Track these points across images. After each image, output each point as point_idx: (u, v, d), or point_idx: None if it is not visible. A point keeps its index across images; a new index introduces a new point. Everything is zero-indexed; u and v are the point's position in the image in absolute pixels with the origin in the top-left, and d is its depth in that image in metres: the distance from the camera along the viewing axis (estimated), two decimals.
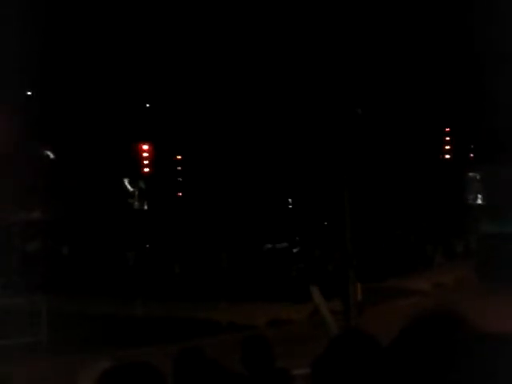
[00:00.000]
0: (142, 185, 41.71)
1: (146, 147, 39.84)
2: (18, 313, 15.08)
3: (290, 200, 41.82)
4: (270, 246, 31.41)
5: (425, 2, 35.10)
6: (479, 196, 36.48)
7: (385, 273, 25.27)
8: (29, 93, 38.50)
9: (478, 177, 38.29)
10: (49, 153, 39.64)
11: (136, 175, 40.38)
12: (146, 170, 40.32)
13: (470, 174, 39.71)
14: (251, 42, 35.66)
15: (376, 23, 33.05)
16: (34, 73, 32.85)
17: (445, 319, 1.85)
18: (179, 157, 43.41)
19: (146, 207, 41.86)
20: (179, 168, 43.77)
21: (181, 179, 43.60)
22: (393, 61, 35.20)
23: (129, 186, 40.95)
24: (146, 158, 39.88)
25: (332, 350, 2.09)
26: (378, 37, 33.45)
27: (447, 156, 44.22)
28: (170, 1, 36.47)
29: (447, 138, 44.25)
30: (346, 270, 15.61)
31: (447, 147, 44.43)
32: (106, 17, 36.43)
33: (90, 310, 19.43)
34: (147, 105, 41.45)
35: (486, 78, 33.61)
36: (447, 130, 43.84)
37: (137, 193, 42.02)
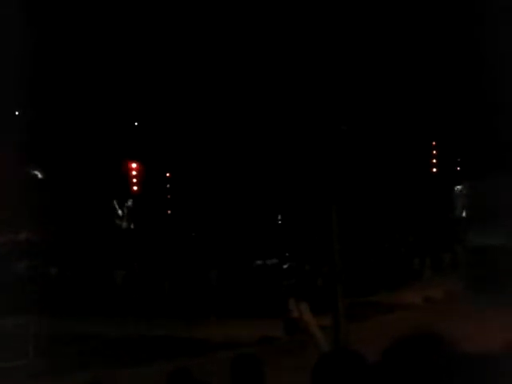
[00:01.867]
0: (130, 203, 41.65)
1: (134, 165, 39.89)
2: (5, 335, 14.96)
3: (279, 216, 41.86)
4: (259, 262, 31.36)
5: (409, 18, 35.42)
6: (466, 209, 36.70)
7: (373, 287, 25.30)
8: (16, 112, 38.48)
9: (464, 190, 38.56)
10: (37, 172, 39.54)
11: (125, 194, 40.35)
12: (135, 188, 40.33)
13: (457, 187, 40.02)
14: (238, 60, 35.84)
15: (362, 38, 33.32)
16: (22, 92, 32.83)
17: (428, 339, 1.92)
18: (168, 174, 43.41)
19: (133, 226, 41.77)
20: (168, 185, 43.76)
21: (170, 197, 43.56)
22: (379, 76, 35.48)
23: (117, 206, 40.85)
24: (134, 177, 39.91)
25: (320, 368, 2.14)
26: (365, 52, 33.71)
27: (434, 169, 44.53)
28: (159, 16, 36.60)
29: (434, 152, 44.57)
30: (334, 285, 15.62)
31: (434, 161, 44.75)
32: (94, 36, 36.52)
33: (79, 330, 19.30)
34: (135, 123, 41.52)
35: (472, 92, 33.93)
36: (434, 143, 44.17)
37: (125, 211, 41.93)
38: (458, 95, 36.70)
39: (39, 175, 39.41)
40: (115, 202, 40.63)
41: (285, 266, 30.20)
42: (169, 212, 43.38)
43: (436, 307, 20.71)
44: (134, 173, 39.96)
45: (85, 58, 36.60)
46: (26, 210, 32.79)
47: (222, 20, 35.15)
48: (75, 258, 31.72)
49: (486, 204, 25.97)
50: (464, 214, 30.56)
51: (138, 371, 13.60)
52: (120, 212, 41.15)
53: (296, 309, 14.18)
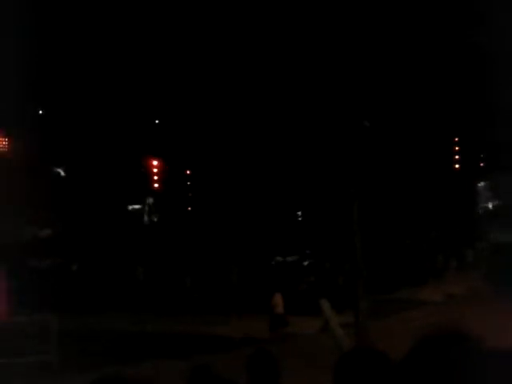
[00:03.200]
0: (151, 200, 41.88)
1: (155, 163, 40.11)
2: (30, 331, 15.10)
3: (299, 213, 41.78)
4: (280, 258, 31.35)
5: (432, 13, 35.12)
6: (490, 205, 36.37)
7: (395, 284, 25.15)
8: (40, 112, 38.85)
9: (488, 186, 38.19)
10: (60, 170, 39.90)
11: (146, 191, 40.57)
12: (156, 185, 40.57)
13: (481, 183, 39.63)
14: (260, 58, 35.81)
15: (385, 36, 33.11)
16: (45, 92, 33.17)
17: (452, 337, 1.88)
18: (189, 172, 43.54)
19: (155, 222, 41.95)
20: (189, 183, 43.89)
21: (190, 194, 43.69)
22: (401, 72, 35.23)
23: (136, 206, 41.07)
24: (155, 174, 40.14)
25: (342, 367, 2.11)
26: (387, 49, 33.50)
27: (457, 165, 44.12)
28: (175, 16, 36.71)
29: (456, 148, 44.16)
30: (356, 282, 15.53)
31: (457, 157, 44.33)
32: (116, 34, 36.71)
33: (101, 326, 19.45)
34: (156, 121, 41.70)
35: (494, 87, 33.56)
36: (456, 139, 43.75)
37: (147, 208, 42.15)
38: (480, 91, 36.31)
39: (62, 173, 39.76)
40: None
41: (305, 263, 30.14)
42: (189, 209, 43.51)
43: (459, 304, 20.51)
44: (155, 170, 40.18)
45: (107, 57, 36.82)
46: (50, 207, 33.11)
47: (243, 16, 35.14)
48: (98, 254, 31.97)
49: (508, 200, 25.68)
50: (489, 210, 30.26)
51: (158, 367, 13.64)
52: (139, 207, 41.40)
53: (325, 307, 14.12)
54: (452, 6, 34.49)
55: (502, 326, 11.86)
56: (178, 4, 36.43)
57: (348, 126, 16.89)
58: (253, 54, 35.91)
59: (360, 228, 15.52)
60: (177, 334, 18.59)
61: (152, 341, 17.76)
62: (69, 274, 29.25)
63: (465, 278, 25.23)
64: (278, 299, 18.23)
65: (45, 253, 30.92)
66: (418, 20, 35.03)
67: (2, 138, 35.53)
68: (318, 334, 16.82)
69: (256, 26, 35.06)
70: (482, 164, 43.44)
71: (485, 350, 1.81)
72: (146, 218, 42.01)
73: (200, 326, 19.49)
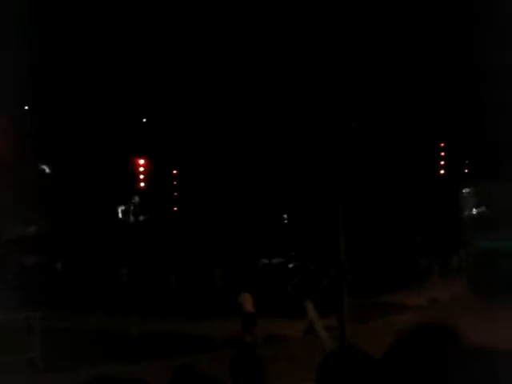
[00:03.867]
0: (137, 199, 41.75)
1: (142, 162, 39.99)
2: (13, 329, 15.01)
3: (285, 215, 41.83)
4: (265, 261, 31.37)
5: (419, 17, 35.38)
6: (474, 211, 36.59)
7: (380, 288, 25.25)
8: (26, 107, 38.63)
9: (472, 192, 38.43)
10: (45, 167, 39.69)
11: (132, 190, 40.43)
12: (142, 184, 40.44)
13: (465, 189, 39.86)
14: (245, 60, 35.85)
15: (371, 38, 33.27)
16: (31, 88, 32.95)
17: (437, 332, 1.88)
18: (175, 171, 43.46)
19: (141, 221, 41.83)
20: (175, 182, 43.80)
21: (176, 194, 43.61)
22: (388, 76, 35.42)
23: (120, 209, 40.91)
24: (142, 173, 40.01)
25: (326, 367, 2.12)
26: (374, 51, 33.67)
27: (442, 171, 44.39)
28: (165, 14, 36.67)
29: (442, 154, 44.43)
30: (340, 285, 15.58)
31: (442, 162, 44.60)
32: (102, 32, 36.59)
33: (86, 326, 19.36)
34: (144, 120, 41.59)
35: (480, 93, 33.83)
36: (442, 145, 44.02)
37: (132, 207, 42.02)
38: (467, 97, 36.58)
39: (47, 170, 39.56)
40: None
41: (290, 266, 30.18)
42: (175, 209, 43.42)
43: (442, 309, 20.64)
44: (141, 169, 40.08)
45: (93, 55, 36.70)
46: (35, 205, 32.93)
47: (231, 19, 35.18)
48: (82, 252, 31.83)
49: (494, 206, 25.88)
50: (473, 216, 30.49)
51: (140, 367, 13.62)
52: (123, 208, 41.27)
53: (310, 309, 14.15)
54: (433, 12, 34.75)
55: (483, 333, 11.96)
56: (165, 1, 36.39)
57: (335, 128, 16.95)
58: (238, 53, 35.95)
59: (345, 231, 15.58)
60: (161, 334, 18.55)
61: (136, 341, 17.72)
62: (53, 272, 29.10)
63: (449, 284, 25.40)
64: (246, 298, 18.31)
65: (30, 250, 30.74)
66: (405, 24, 35.24)
67: None
68: (302, 336, 16.86)
69: (241, 27, 35.11)
70: (466, 170, 43.74)
71: (469, 347, 1.82)
72: (131, 217, 41.88)
73: (184, 327, 19.47)
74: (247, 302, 18.13)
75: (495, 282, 21.95)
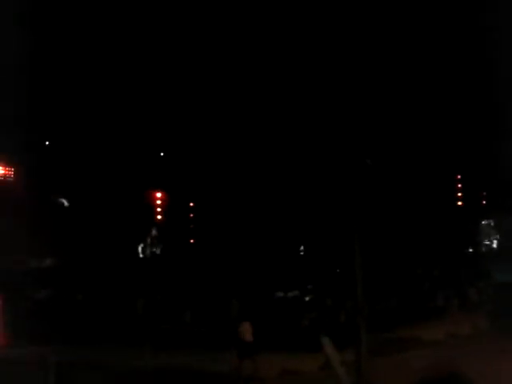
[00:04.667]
0: (154, 232, 41.85)
1: (159, 195, 40.24)
2: (28, 363, 14.97)
3: (301, 248, 41.65)
4: (281, 294, 31.11)
5: (427, 44, 35.57)
6: (493, 243, 36.15)
7: (396, 322, 24.89)
8: (47, 142, 39.15)
9: (491, 224, 38.03)
10: (63, 200, 40.00)
11: (149, 222, 40.58)
12: (159, 217, 40.60)
13: (484, 221, 39.49)
14: (263, 89, 36.15)
15: (385, 71, 33.50)
16: (51, 123, 33.44)
17: (450, 380, 1.89)
18: (191, 204, 43.59)
19: (157, 254, 41.85)
20: (191, 215, 43.90)
21: (192, 226, 43.67)
22: (405, 112, 35.54)
23: (140, 249, 41.04)
24: (159, 206, 40.22)
25: None
26: (390, 88, 33.87)
27: (459, 203, 44.12)
28: (182, 39, 37.07)
29: (459, 185, 44.22)
30: (357, 319, 15.41)
31: (459, 194, 44.36)
32: (121, 66, 37.12)
33: (99, 360, 19.24)
34: (161, 153, 41.92)
35: (496, 124, 33.75)
36: (459, 177, 43.84)
37: (149, 240, 42.10)
38: (483, 130, 36.52)
39: (65, 203, 39.85)
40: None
41: (306, 299, 29.90)
42: (192, 241, 43.43)
43: (460, 344, 20.29)
44: (158, 202, 40.30)
45: (112, 89, 37.19)
46: (52, 238, 33.09)
47: (243, 50, 35.59)
48: (98, 285, 31.79)
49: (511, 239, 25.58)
50: (493, 249, 30.16)
51: None
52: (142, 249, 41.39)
53: (326, 344, 13.96)
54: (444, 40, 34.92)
55: (503, 370, 11.69)
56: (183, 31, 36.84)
57: (351, 164, 16.98)
58: (257, 84, 36.23)
59: (361, 263, 15.45)
60: (175, 369, 18.37)
61: (149, 376, 17.55)
62: (67, 305, 29.04)
63: (467, 318, 24.97)
64: (246, 327, 18.17)
65: (44, 283, 30.77)
66: (417, 57, 35.43)
67: (8, 166, 35.74)
68: (318, 372, 16.63)
69: (253, 57, 35.46)
70: (484, 202, 43.42)
71: None
72: (148, 250, 41.94)
73: (198, 362, 19.27)
74: (247, 332, 18.03)
75: None
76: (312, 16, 32.37)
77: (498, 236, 35.19)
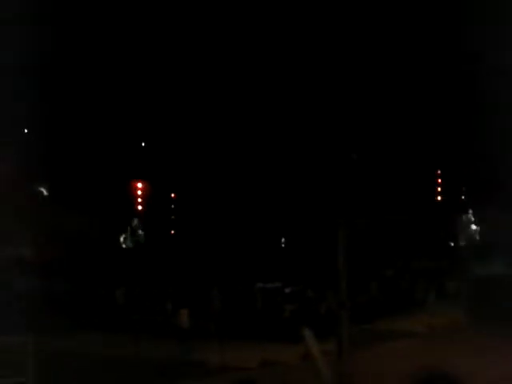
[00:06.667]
0: (135, 222, 41.68)
1: (140, 185, 40.05)
2: (5, 352, 14.85)
3: (282, 239, 41.76)
4: (261, 285, 31.16)
5: (414, 43, 35.75)
6: (473, 238, 36.53)
7: (376, 314, 25.11)
8: (25, 130, 38.74)
9: (471, 218, 38.41)
10: (42, 189, 39.65)
11: (130, 212, 40.40)
12: (140, 207, 40.42)
13: (463, 216, 39.88)
14: (248, 83, 36.13)
15: (369, 70, 33.66)
16: (30, 110, 33.09)
17: (436, 379, 1.95)
18: (173, 195, 43.47)
19: (138, 244, 41.72)
20: (173, 206, 43.79)
21: (174, 217, 43.57)
22: (387, 107, 35.75)
23: (122, 239, 40.84)
24: (140, 196, 40.05)
25: None
26: (372, 83, 34.03)
27: (439, 197, 44.52)
28: (173, 35, 36.88)
29: (439, 180, 44.61)
30: (339, 311, 15.50)
31: (439, 189, 44.76)
32: (103, 53, 36.83)
33: (78, 348, 19.19)
34: (143, 144, 41.72)
35: (478, 121, 34.07)
36: (439, 172, 44.22)
37: (129, 230, 41.94)
38: (465, 124, 36.84)
39: (45, 192, 39.51)
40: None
41: (287, 291, 29.99)
42: (172, 232, 43.34)
43: (439, 336, 20.54)
44: (139, 192, 40.13)
45: (93, 78, 36.90)
46: (30, 226, 32.81)
47: (239, 49, 35.54)
48: (77, 275, 31.64)
49: (489, 234, 25.91)
50: (469, 243, 30.51)
51: None
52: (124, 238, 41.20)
53: (308, 335, 14.02)
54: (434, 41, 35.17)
55: (479, 361, 11.86)
56: (171, 21, 36.65)
57: (336, 159, 17.12)
58: (240, 76, 36.20)
59: (345, 258, 15.52)
60: (155, 358, 18.38)
61: (129, 365, 17.54)
62: (47, 294, 28.88)
63: (445, 310, 25.25)
64: (182, 314, 18.49)
65: (22, 273, 30.53)
66: (403, 52, 35.60)
67: None
68: (299, 362, 16.74)
69: (249, 56, 35.46)
70: (463, 197, 43.84)
71: None
72: (128, 240, 41.79)
73: (178, 351, 19.29)
74: (183, 318, 18.32)
75: (491, 308, 21.92)
76: (303, 10, 32.46)
77: (477, 230, 35.53)
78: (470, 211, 37.91)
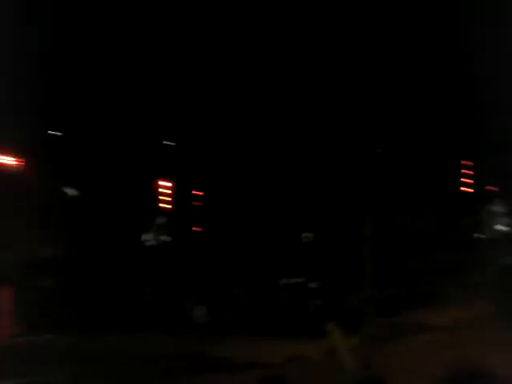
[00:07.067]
0: (162, 221, 41.94)
1: (165, 184, 40.35)
2: (33, 351, 15.06)
3: (307, 234, 41.69)
4: (286, 280, 31.18)
5: (443, 48, 35.41)
6: (502, 228, 36.14)
7: (402, 307, 24.94)
8: (49, 131, 39.12)
9: (499, 210, 38.03)
10: (72, 190, 40.06)
11: (155, 211, 40.69)
12: (166, 206, 40.73)
13: (491, 206, 39.49)
14: (271, 79, 36.08)
15: (396, 67, 33.42)
16: (57, 111, 33.43)
17: (471, 375, 2.00)
18: (198, 193, 43.62)
19: (165, 243, 41.96)
20: (198, 204, 43.94)
21: (199, 215, 43.72)
22: (411, 99, 35.46)
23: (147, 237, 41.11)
24: (166, 195, 40.37)
25: None
26: (396, 75, 33.76)
27: (466, 188, 44.09)
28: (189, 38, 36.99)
29: (467, 172, 44.17)
30: (364, 306, 15.53)
31: (466, 180, 44.32)
32: (124, 57, 37.04)
33: (105, 347, 19.38)
34: (169, 142, 41.85)
35: (506, 109, 33.62)
36: (467, 163, 43.75)
37: (156, 229, 42.20)
38: (492, 113, 36.38)
39: (74, 193, 39.91)
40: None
41: (312, 286, 29.99)
42: (198, 229, 43.51)
43: (465, 329, 20.37)
44: (165, 191, 40.43)
45: (120, 78, 37.11)
46: (55, 226, 33.16)
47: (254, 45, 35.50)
48: (103, 274, 31.93)
49: None
50: (499, 233, 30.26)
51: None
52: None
53: (333, 330, 14.01)
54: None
55: (505, 358, 11.69)
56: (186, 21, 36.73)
57: (361, 153, 17.07)
58: (267, 80, 36.15)
59: (371, 253, 15.52)
60: (182, 355, 18.51)
61: (155, 362, 17.68)
62: (74, 294, 29.18)
63: (470, 303, 24.98)
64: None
65: (49, 273, 30.87)
66: (425, 42, 35.29)
67: (12, 156, 35.79)
68: (325, 358, 16.73)
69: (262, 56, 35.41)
70: (491, 187, 43.34)
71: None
72: (155, 238, 42.06)
73: (205, 348, 19.40)
74: (199, 314, 18.38)
75: None
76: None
77: (506, 221, 35.09)
78: (496, 202, 37.42)
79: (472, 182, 43.62)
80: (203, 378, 14.75)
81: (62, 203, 35.69)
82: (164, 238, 41.81)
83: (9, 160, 34.61)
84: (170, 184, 40.21)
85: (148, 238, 41.37)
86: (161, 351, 18.89)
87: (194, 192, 43.10)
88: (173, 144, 41.25)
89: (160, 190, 40.24)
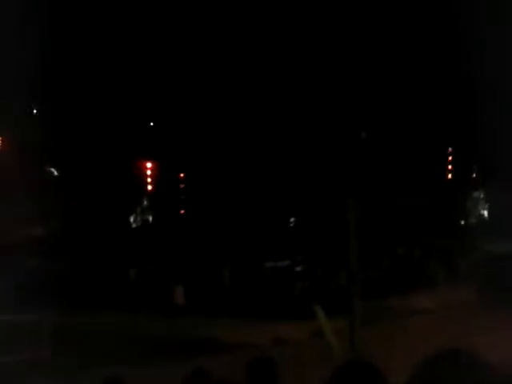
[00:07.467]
0: (145, 202, 41.75)
1: (149, 165, 40.08)
2: (21, 330, 14.99)
3: (292, 218, 41.76)
4: (271, 264, 31.27)
5: (425, 30, 35.39)
6: (484, 215, 36.35)
7: (388, 290, 25.11)
8: (34, 111, 38.75)
9: (482, 196, 38.22)
10: (53, 169, 39.76)
11: (139, 193, 40.49)
12: (149, 187, 40.49)
13: (475, 193, 39.69)
14: (259, 64, 35.94)
15: (380, 49, 33.35)
16: (38, 90, 33.07)
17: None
18: (182, 174, 43.46)
19: (148, 224, 41.84)
20: (182, 185, 43.79)
21: (183, 196, 43.59)
22: (396, 84, 35.47)
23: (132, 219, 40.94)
24: (149, 176, 40.10)
25: (334, 382, 2.18)
26: (383, 61, 33.73)
27: (450, 175, 44.34)
28: (176, 18, 36.71)
29: (450, 158, 44.39)
30: (350, 288, 15.51)
31: (450, 167, 44.54)
32: (109, 37, 36.68)
33: (92, 327, 19.34)
34: (151, 123, 41.66)
35: (490, 99, 33.74)
36: (450, 150, 43.98)
37: (139, 210, 42.01)
38: (476, 102, 36.51)
39: (55, 172, 39.62)
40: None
41: (297, 269, 30.10)
42: (182, 212, 43.40)
43: (451, 313, 20.51)
44: (148, 172, 40.17)
45: (100, 59, 36.79)
46: (42, 207, 32.95)
47: (246, 32, 35.32)
48: (89, 254, 31.83)
49: (505, 210, 25.75)
50: (483, 220, 30.40)
51: (150, 371, 13.57)
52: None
53: (319, 313, 14.05)
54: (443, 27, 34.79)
55: (492, 338, 11.80)
56: (172, 4, 36.47)
57: (346, 137, 17.03)
58: (251, 59, 36.01)
59: (356, 234, 15.49)
60: (167, 336, 18.51)
61: (142, 343, 17.66)
62: (60, 273, 29.09)
63: (456, 287, 25.22)
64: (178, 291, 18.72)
65: (36, 252, 30.73)
66: (411, 34, 35.27)
67: None
68: (310, 339, 16.79)
69: (256, 36, 35.22)
70: (474, 175, 43.62)
71: (480, 364, 1.90)
72: (138, 219, 41.90)
73: (191, 329, 19.43)
74: (177, 295, 18.49)
75: (502, 285, 21.86)
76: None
77: (487, 207, 35.30)
78: (481, 189, 37.65)
79: (456, 168, 43.91)
80: (187, 360, 14.74)
81: (45, 184, 35.43)
82: (149, 219, 41.69)
83: None
84: (154, 165, 40.02)
85: (133, 219, 41.23)
86: (148, 332, 18.87)
87: (179, 174, 42.99)
88: (157, 125, 41.04)
89: (145, 171, 40.05)
